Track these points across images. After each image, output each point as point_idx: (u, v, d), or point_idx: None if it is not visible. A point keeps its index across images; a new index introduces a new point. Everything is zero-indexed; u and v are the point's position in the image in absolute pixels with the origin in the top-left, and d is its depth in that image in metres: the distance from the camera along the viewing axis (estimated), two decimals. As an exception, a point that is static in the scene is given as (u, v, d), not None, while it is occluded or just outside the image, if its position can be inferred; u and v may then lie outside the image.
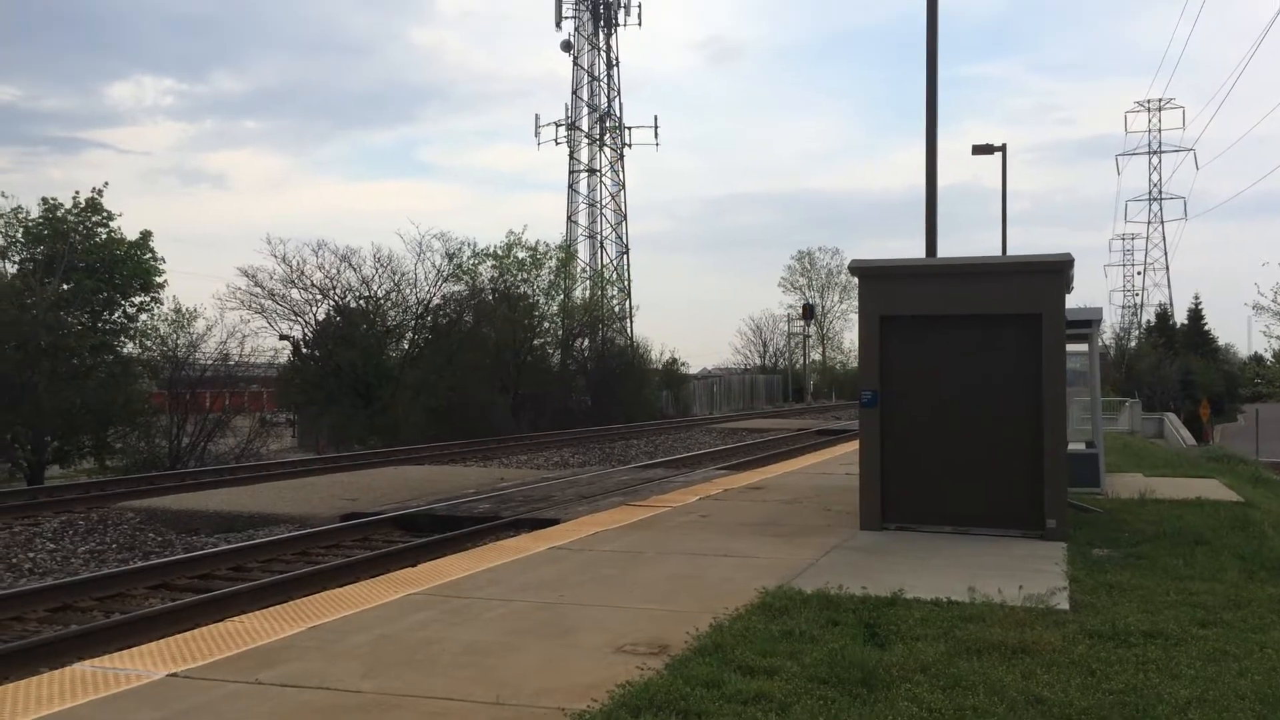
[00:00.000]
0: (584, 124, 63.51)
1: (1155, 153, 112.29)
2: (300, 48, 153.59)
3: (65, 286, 27.59)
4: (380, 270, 36.26)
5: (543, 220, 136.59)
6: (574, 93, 63.48)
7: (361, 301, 36.11)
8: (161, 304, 30.26)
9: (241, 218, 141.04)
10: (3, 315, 23.54)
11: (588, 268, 59.02)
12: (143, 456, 25.03)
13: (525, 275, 42.49)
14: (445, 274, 38.05)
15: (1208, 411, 56.93)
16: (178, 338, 28.89)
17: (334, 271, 35.46)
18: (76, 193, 29.69)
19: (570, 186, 63.81)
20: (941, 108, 16.23)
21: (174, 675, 5.42)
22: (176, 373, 27.61)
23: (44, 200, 29.17)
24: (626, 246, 63.56)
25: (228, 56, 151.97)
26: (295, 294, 35.04)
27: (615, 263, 62.86)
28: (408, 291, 37.01)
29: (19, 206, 29.11)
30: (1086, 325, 12.79)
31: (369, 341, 34.62)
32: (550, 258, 44.45)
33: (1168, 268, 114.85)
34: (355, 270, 35.82)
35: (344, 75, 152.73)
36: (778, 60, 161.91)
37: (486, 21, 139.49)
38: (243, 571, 11.30)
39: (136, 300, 30.06)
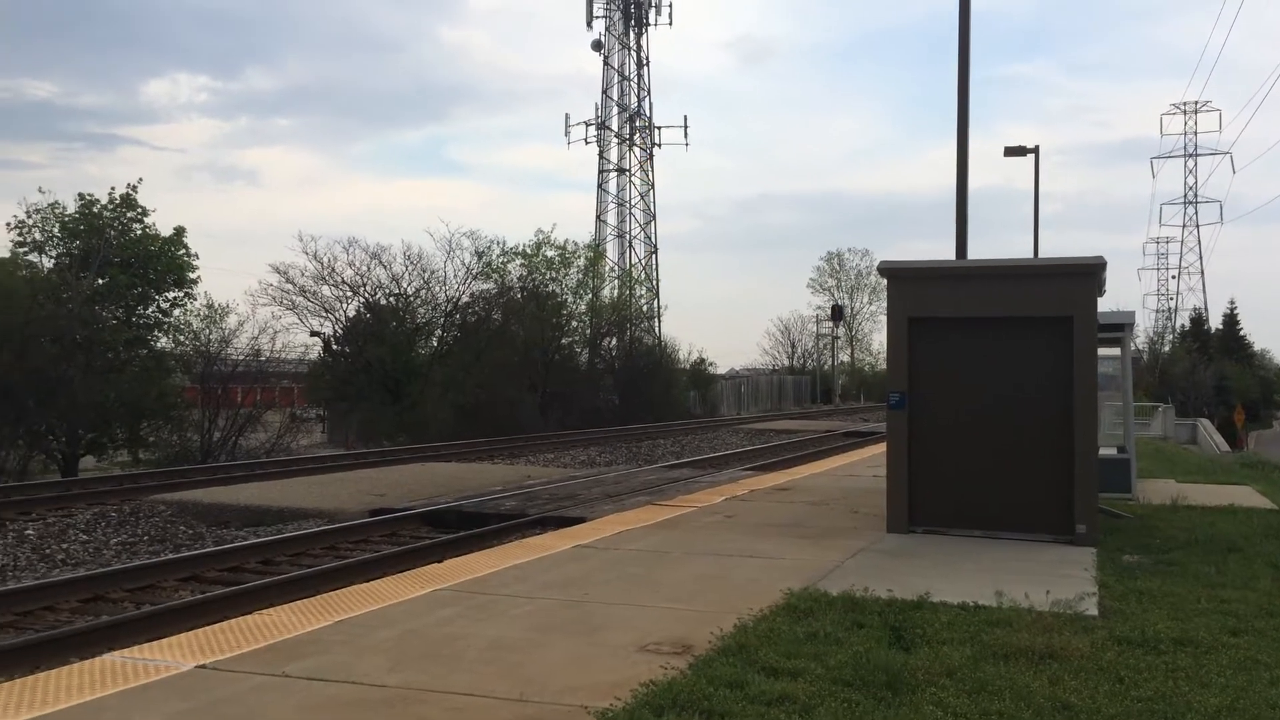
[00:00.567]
0: (614, 123, 63.62)
1: (1191, 155, 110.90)
2: (332, 45, 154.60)
3: (100, 281, 27.97)
4: (410, 268, 36.53)
5: (572, 219, 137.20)
6: (604, 92, 63.59)
7: (391, 299, 36.34)
8: (194, 299, 30.66)
9: (274, 215, 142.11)
10: (39, 309, 23.89)
11: (616, 267, 59.11)
12: (175, 450, 25.32)
13: (554, 274, 42.57)
14: (474, 272, 38.28)
15: (1242, 417, 56.25)
16: (210, 333, 29.24)
17: (364, 269, 35.77)
18: (112, 189, 30.14)
19: (600, 186, 63.93)
20: (973, 108, 16.15)
21: (202, 667, 5.48)
22: (209, 368, 27.93)
23: (80, 196, 29.60)
24: (655, 246, 63.62)
25: (260, 54, 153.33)
26: (326, 291, 35.38)
27: (644, 262, 62.90)
28: (437, 289, 37.27)
29: (55, 202, 29.56)
30: (1119, 329, 12.66)
31: (398, 338, 34.83)
32: (579, 257, 44.54)
33: (1202, 272, 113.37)
34: (385, 267, 36.11)
35: (375, 73, 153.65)
36: (808, 60, 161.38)
37: (516, 20, 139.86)
38: (271, 565, 11.39)
39: (170, 295, 30.45)
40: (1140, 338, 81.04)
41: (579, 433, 33.91)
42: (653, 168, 64.55)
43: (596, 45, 63.46)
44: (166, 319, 30.44)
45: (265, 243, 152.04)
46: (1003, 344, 10.00)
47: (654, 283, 61.92)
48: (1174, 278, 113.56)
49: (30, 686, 5.14)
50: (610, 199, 63.60)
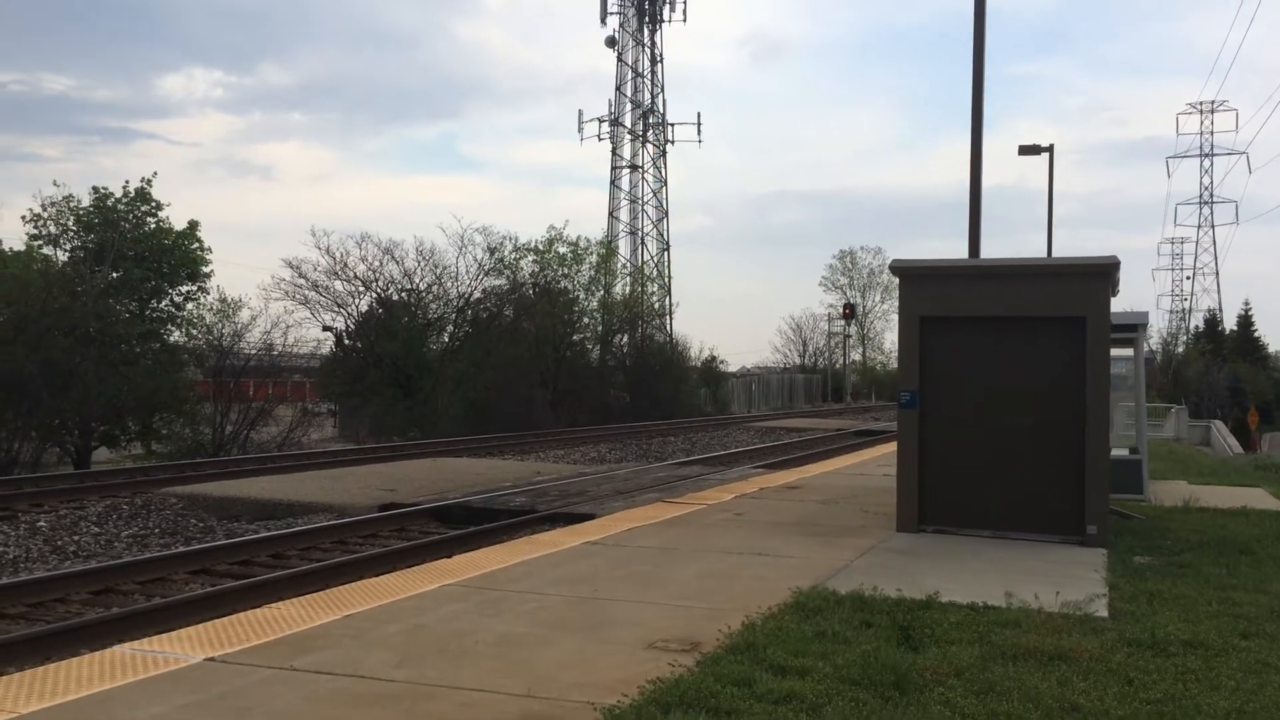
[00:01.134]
0: (627, 120, 63.64)
1: (1207, 155, 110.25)
2: (346, 41, 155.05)
3: (114, 274, 28.11)
4: (422, 263, 36.61)
5: (584, 216, 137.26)
6: (618, 88, 63.59)
7: (403, 294, 36.42)
8: (208, 293, 30.85)
9: (287, 209, 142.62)
10: (53, 302, 24.01)
11: (628, 264, 59.12)
12: (187, 443, 25.44)
13: (566, 270, 42.59)
14: (486, 268, 38.33)
15: (1256, 419, 55.93)
16: (223, 327, 29.39)
17: (377, 264, 35.87)
18: (126, 182, 30.27)
19: (612, 182, 63.95)
20: (988, 106, 16.08)
21: (211, 659, 5.50)
22: (221, 361, 28.04)
23: (95, 189, 29.75)
24: (668, 243, 63.64)
25: (274, 49, 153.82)
26: (338, 285, 35.49)
27: (656, 259, 62.93)
28: (449, 285, 37.33)
29: (70, 195, 29.72)
30: (1132, 329, 12.59)
31: (410, 334, 34.90)
32: (591, 253, 44.55)
33: (1217, 272, 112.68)
34: (398, 263, 36.20)
35: (389, 69, 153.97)
36: (822, 57, 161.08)
37: (530, 16, 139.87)
38: (281, 559, 11.43)
39: (183, 289, 30.63)
40: (1154, 338, 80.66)
41: (590, 429, 33.93)
42: (665, 164, 64.65)
43: (610, 41, 63.49)
44: (180, 313, 30.64)
45: (278, 237, 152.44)
46: (1015, 344, 9.96)
47: (666, 280, 61.94)
48: (1188, 278, 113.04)
49: (41, 677, 5.17)
50: (623, 195, 63.68)
